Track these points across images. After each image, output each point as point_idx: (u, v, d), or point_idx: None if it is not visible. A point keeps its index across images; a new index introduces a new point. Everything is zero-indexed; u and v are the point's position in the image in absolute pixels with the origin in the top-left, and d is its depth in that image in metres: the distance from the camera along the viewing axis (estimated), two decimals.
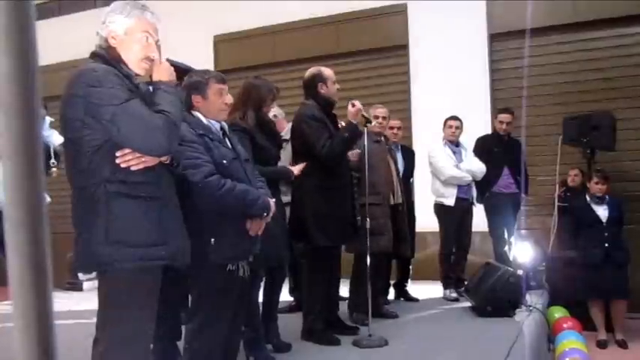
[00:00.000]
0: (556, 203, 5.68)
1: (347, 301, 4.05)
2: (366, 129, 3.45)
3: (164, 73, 1.98)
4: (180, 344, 2.68)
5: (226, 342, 2.45)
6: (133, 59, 1.96)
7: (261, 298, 3.30)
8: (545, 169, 5.97)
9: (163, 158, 1.92)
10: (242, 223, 2.38)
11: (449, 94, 6.21)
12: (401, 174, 4.52)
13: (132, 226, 1.82)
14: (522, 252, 5.01)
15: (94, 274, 1.98)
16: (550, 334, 4.48)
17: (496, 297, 4.08)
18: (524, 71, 5.68)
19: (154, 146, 1.83)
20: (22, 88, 0.45)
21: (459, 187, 4.85)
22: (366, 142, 3.46)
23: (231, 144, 2.52)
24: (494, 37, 6.51)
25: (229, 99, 2.56)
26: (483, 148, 5.14)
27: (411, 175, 4.99)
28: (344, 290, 4.00)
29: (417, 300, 4.88)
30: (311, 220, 3.33)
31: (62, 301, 5.19)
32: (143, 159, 1.84)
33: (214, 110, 2.47)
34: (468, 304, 4.44)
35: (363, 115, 3.41)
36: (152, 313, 1.92)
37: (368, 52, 7.00)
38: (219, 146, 2.40)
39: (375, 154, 3.89)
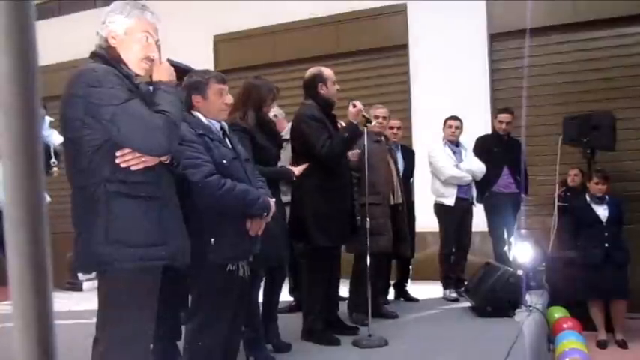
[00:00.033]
0: (556, 203, 5.68)
1: (347, 301, 4.05)
2: (366, 129, 3.45)
3: (164, 73, 1.98)
4: (180, 344, 2.68)
5: (226, 342, 2.45)
6: (133, 59, 1.96)
7: (261, 298, 3.30)
8: (545, 169, 5.97)
9: (163, 158, 1.92)
10: (242, 223, 2.38)
11: (449, 94, 6.21)
12: (401, 174, 4.53)
13: (132, 226, 1.82)
14: (522, 252, 5.01)
15: (93, 274, 1.98)
16: (550, 334, 4.48)
17: (496, 297, 4.08)
18: (524, 71, 5.68)
19: (154, 146, 1.83)
20: (22, 88, 0.45)
21: (459, 187, 4.85)
22: (366, 142, 3.46)
23: (231, 144, 2.52)
24: (494, 37, 6.52)
25: (229, 99, 2.56)
26: (483, 148, 5.14)
27: (411, 175, 4.99)
28: (344, 290, 4.00)
29: (417, 300, 4.88)
30: (311, 220, 3.33)
31: (62, 301, 5.19)
32: (143, 159, 1.84)
33: (214, 110, 2.47)
34: (468, 304, 4.44)
35: (363, 115, 3.41)
36: (152, 312, 1.92)
37: (368, 52, 7.00)
38: (219, 146, 2.40)
39: (375, 154, 3.89)
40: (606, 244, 4.87)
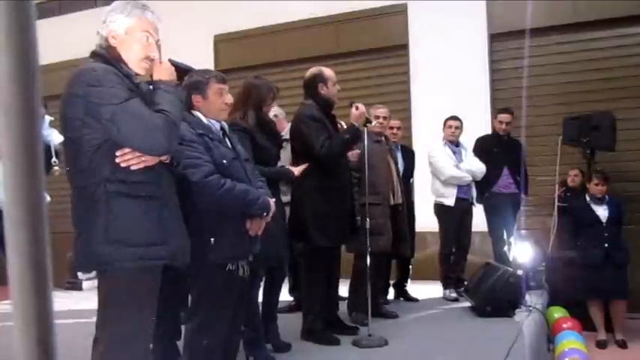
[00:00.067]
0: (556, 203, 5.68)
1: (346, 301, 4.05)
2: (365, 129, 3.45)
3: (165, 73, 1.98)
4: (180, 344, 2.68)
5: (226, 342, 2.45)
6: (134, 59, 1.96)
7: (260, 298, 3.30)
8: (545, 169, 5.97)
9: (163, 158, 1.92)
10: (242, 222, 2.38)
11: (449, 94, 6.21)
12: (401, 174, 4.53)
13: (132, 226, 1.82)
14: (522, 252, 5.02)
15: (93, 274, 1.98)
16: (550, 334, 4.48)
17: (496, 297, 4.08)
18: (524, 71, 5.68)
19: (154, 146, 1.83)
20: (22, 87, 0.45)
21: (459, 187, 4.85)
22: (366, 142, 3.45)
23: (231, 144, 2.52)
24: (494, 37, 6.51)
25: (229, 99, 2.56)
26: (483, 148, 5.14)
27: (411, 175, 4.99)
28: (343, 290, 4.00)
29: (416, 300, 4.88)
30: (311, 220, 3.33)
31: (62, 301, 5.18)
32: (143, 158, 1.84)
33: (214, 110, 2.47)
34: (468, 304, 4.44)
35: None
36: (152, 312, 1.92)
37: (368, 52, 7.00)
38: (219, 146, 2.40)
39: (375, 154, 3.89)
40: (606, 245, 4.87)
